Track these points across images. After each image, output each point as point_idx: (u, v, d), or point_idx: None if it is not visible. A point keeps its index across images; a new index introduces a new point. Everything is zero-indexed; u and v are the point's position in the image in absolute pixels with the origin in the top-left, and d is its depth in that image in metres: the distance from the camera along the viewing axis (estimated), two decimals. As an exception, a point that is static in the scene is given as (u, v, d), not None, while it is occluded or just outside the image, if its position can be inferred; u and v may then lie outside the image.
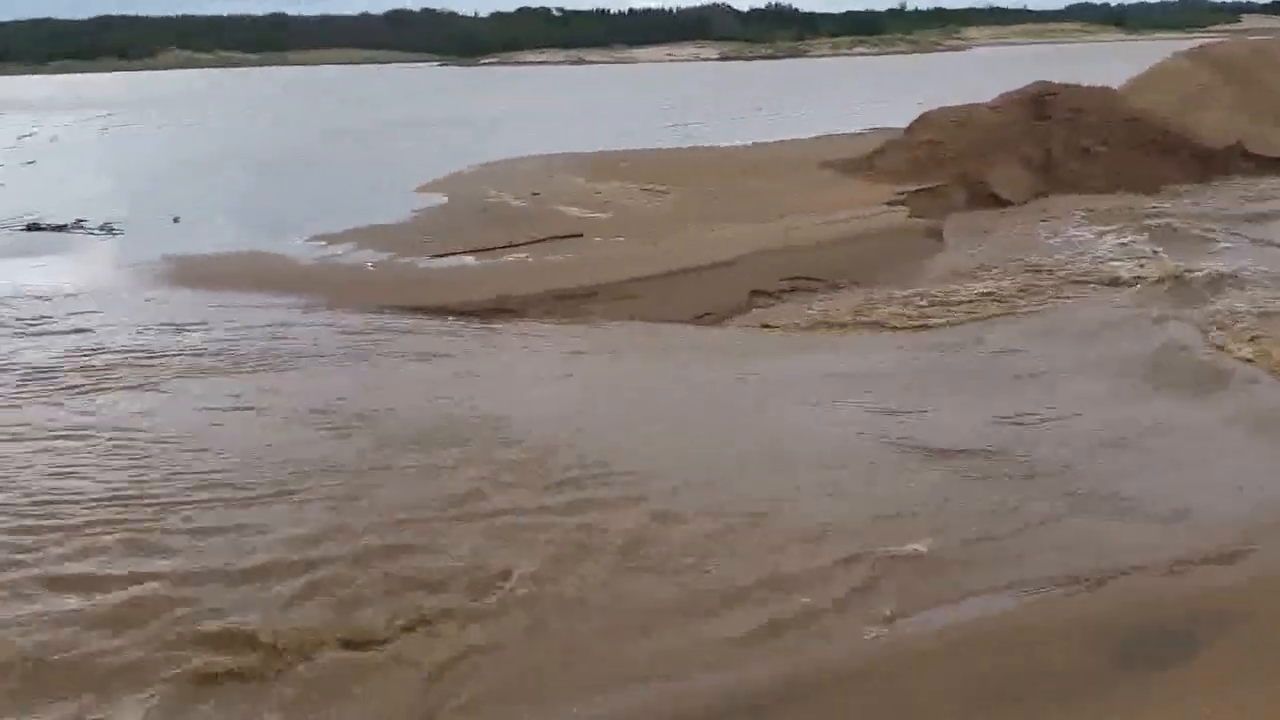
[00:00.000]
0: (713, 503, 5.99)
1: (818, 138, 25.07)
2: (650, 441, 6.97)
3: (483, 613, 4.86)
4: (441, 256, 13.69)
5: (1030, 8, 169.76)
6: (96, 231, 16.30)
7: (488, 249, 13.92)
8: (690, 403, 7.98)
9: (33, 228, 16.71)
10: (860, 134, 24.61)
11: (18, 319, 10.47)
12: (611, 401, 8.04)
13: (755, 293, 11.62)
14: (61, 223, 16.96)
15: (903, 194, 16.20)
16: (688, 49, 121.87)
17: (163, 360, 8.86)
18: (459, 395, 7.94)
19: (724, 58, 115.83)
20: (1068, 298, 10.66)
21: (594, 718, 4.27)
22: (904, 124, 20.33)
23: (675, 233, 14.62)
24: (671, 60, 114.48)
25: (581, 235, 14.76)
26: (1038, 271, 11.86)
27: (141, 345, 9.36)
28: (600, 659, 4.62)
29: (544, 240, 14.37)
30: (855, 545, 5.45)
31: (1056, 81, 19.39)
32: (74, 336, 9.74)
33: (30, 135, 36.67)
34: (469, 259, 13.59)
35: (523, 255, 13.63)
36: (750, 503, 6.00)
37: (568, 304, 11.04)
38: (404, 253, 13.90)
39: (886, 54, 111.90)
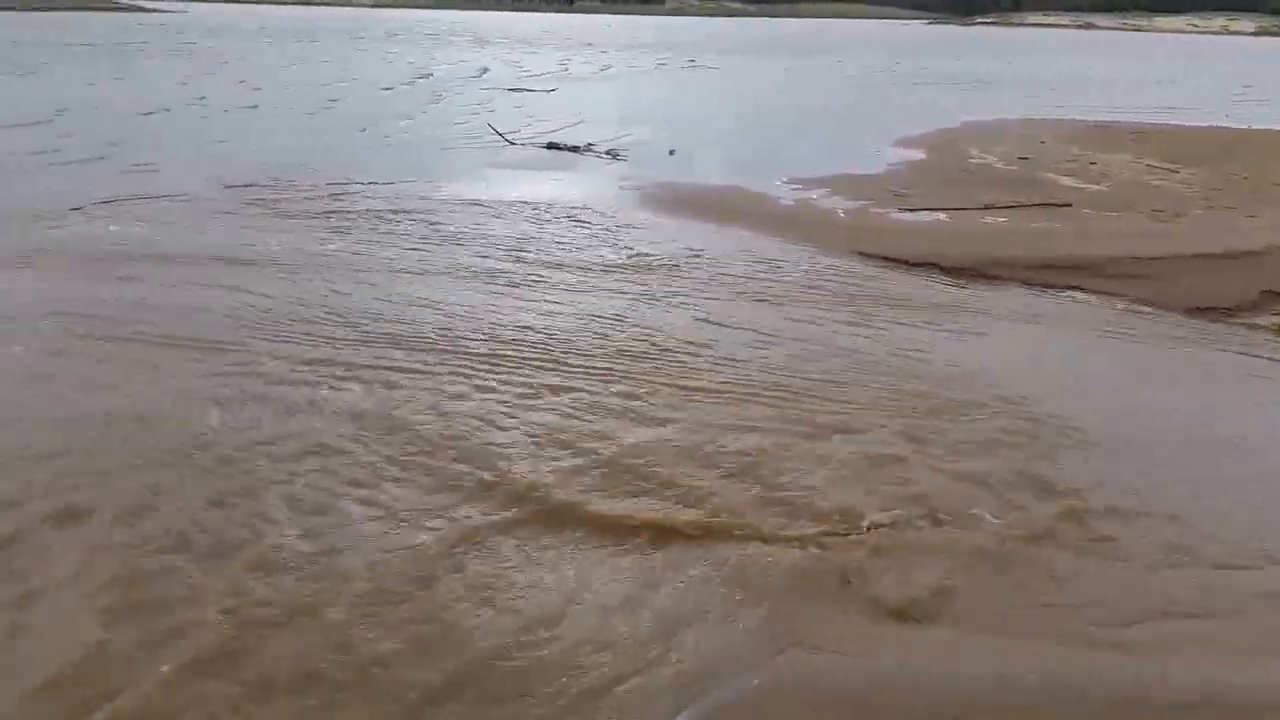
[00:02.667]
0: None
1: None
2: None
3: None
4: (913, 211, 13.49)
5: None
6: (604, 155, 17.95)
7: (964, 208, 13.49)
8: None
9: (551, 146, 18.78)
10: None
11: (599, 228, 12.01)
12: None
13: (1267, 292, 10.21)
14: (575, 145, 18.91)
15: None
16: (1217, 20, 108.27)
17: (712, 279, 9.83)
18: (949, 356, 7.80)
19: (1260, 32, 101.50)
20: None
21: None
22: None
23: (1181, 215, 13.22)
24: (1194, 31, 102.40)
25: (1070, 205, 13.82)
26: None
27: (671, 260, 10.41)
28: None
29: (1027, 206, 13.66)
30: None
31: None
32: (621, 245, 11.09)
33: (555, 69, 41.13)
34: (942, 216, 13.25)
35: (1001, 219, 13.03)
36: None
37: (1048, 274, 10.40)
38: (877, 203, 13.87)
39: None
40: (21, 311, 8.02)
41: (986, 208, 13.51)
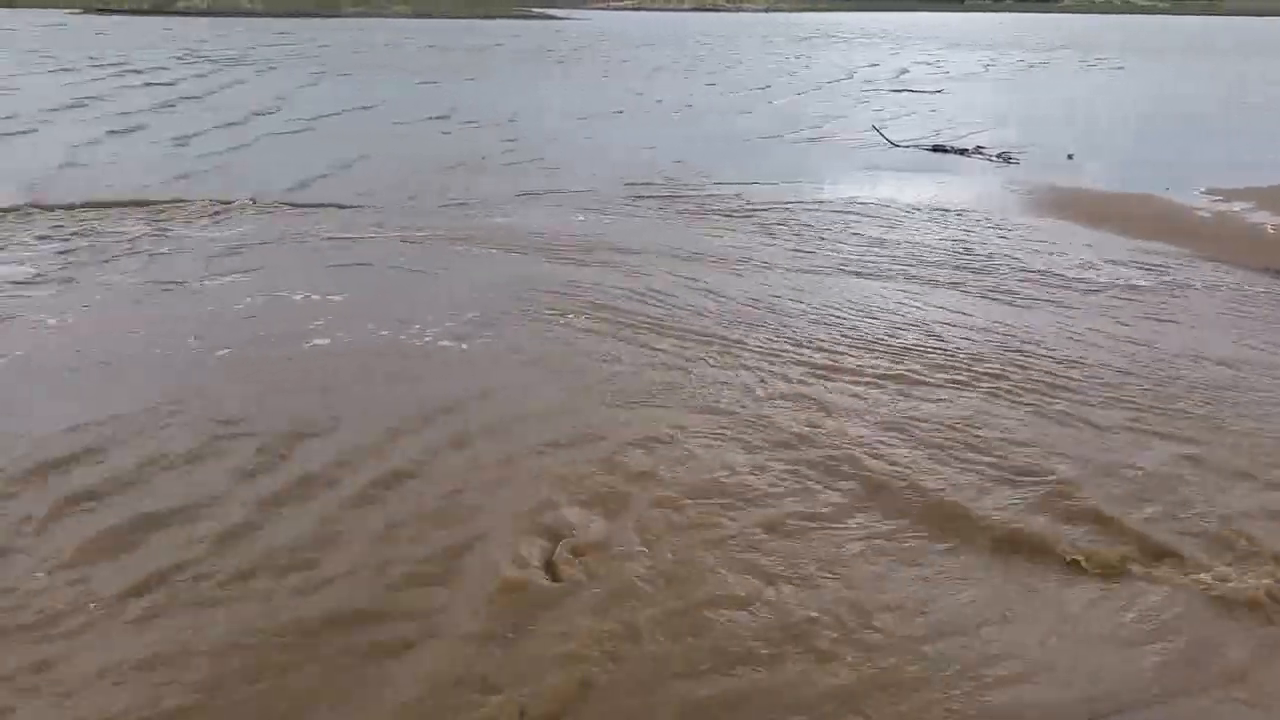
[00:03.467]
0: None
1: None
2: None
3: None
4: (1361, 231, 12.06)
5: None
6: (994, 159, 17.53)
7: None
8: None
9: (937, 149, 18.58)
10: None
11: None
12: None
13: None
14: (963, 147, 18.60)
15: None
16: None
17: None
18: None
19: None
20: None
21: None
22: None
23: None
24: None
25: None
26: None
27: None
28: None
29: None
30: None
31: None
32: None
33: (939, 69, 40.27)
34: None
35: None
36: None
37: None
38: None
39: None
40: (531, 290, 8.88)
41: None
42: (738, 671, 4.07)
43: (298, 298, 8.56)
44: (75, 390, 6.62)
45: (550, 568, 4.69)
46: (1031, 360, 7.39)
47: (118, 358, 7.19)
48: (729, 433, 6.08)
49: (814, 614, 4.41)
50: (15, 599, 4.40)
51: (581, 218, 12.17)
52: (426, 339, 7.63)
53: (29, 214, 11.82)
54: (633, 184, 14.47)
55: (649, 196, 13.62)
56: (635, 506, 5.23)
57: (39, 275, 9.26)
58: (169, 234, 10.87)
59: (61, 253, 10.05)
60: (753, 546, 4.89)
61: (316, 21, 74.16)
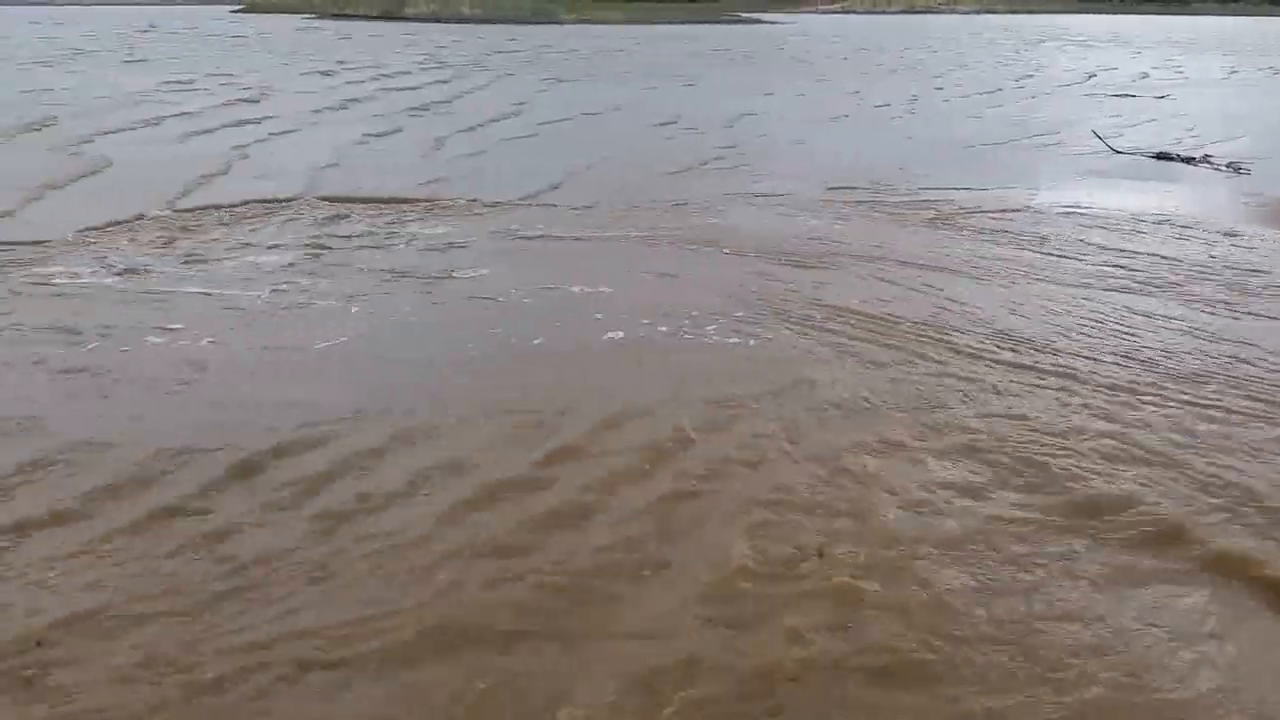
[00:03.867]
0: None
1: None
2: None
3: None
4: None
5: None
6: (1223, 168, 17.14)
7: None
8: None
9: (1162, 157, 18.31)
10: None
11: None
12: None
13: None
14: (1189, 155, 18.20)
15: None
16: None
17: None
18: None
19: None
20: None
21: None
22: None
23: None
24: None
25: None
26: None
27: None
28: None
29: None
30: None
31: None
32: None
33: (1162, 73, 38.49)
34: None
35: None
36: None
37: None
38: None
39: None
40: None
41: None
42: (958, 681, 4.22)
43: (575, 290, 9.55)
44: (417, 378, 7.34)
45: (787, 561, 5.03)
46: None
47: (436, 347, 8.00)
48: (974, 445, 6.26)
49: (1048, 632, 4.52)
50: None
51: (814, 222, 12.81)
52: (713, 337, 8.21)
53: (306, 205, 13.38)
54: (858, 188, 15.06)
55: (876, 200, 14.20)
56: (879, 509, 5.50)
57: (321, 266, 10.32)
58: (431, 229, 12.15)
59: (336, 242, 11.31)
60: (982, 558, 5.06)
61: (539, 29, 77.19)
